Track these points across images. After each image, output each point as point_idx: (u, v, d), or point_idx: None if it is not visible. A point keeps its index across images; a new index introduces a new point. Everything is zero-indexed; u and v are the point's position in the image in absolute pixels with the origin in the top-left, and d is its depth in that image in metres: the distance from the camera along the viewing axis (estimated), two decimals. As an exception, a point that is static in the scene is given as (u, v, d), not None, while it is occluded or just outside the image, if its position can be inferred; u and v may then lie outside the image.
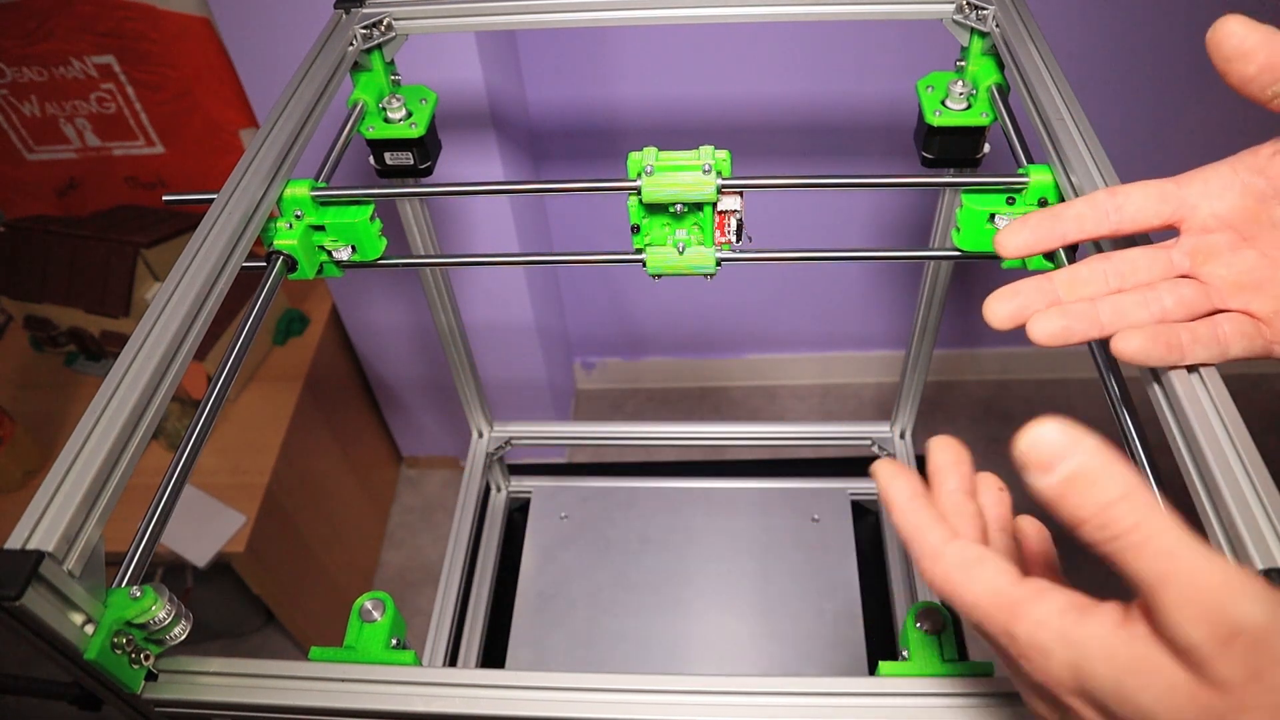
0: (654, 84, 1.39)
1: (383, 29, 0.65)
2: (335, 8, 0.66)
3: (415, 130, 0.66)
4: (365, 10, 0.66)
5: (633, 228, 0.58)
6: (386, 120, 0.66)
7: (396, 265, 0.61)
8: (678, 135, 1.45)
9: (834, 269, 1.73)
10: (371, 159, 0.69)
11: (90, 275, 1.36)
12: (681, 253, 0.58)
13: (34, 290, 1.40)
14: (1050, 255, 0.46)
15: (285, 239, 0.57)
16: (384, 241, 0.60)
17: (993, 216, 0.55)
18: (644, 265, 0.59)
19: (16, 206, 1.57)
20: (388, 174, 0.69)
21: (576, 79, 1.39)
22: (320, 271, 0.60)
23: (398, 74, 0.69)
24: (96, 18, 1.28)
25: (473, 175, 1.28)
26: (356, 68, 0.66)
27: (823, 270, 1.73)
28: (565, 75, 1.38)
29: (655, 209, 0.57)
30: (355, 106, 0.66)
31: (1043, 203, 0.54)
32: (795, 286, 1.78)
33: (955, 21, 0.63)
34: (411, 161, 0.68)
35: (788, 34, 1.32)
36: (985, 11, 0.62)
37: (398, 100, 0.66)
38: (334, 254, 0.59)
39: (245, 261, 0.53)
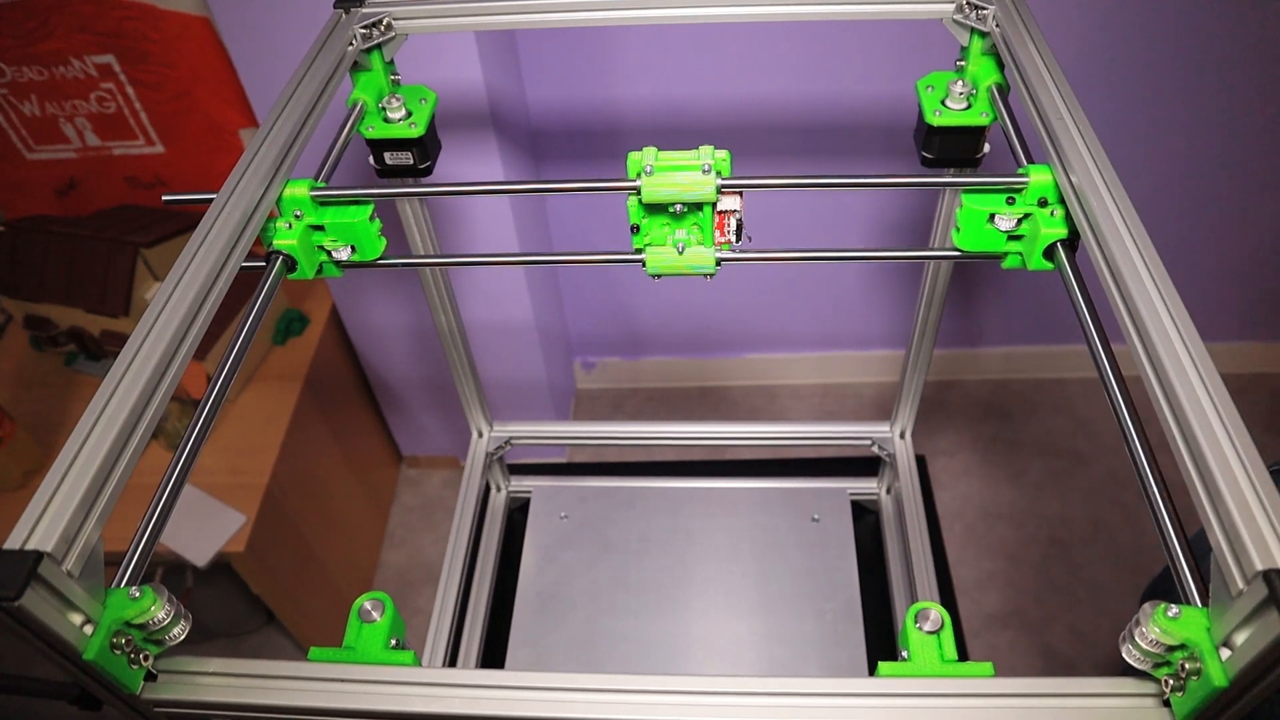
0: (654, 84, 1.39)
1: (382, 29, 0.65)
2: (335, 7, 0.66)
3: (415, 130, 0.66)
4: (365, 10, 0.66)
5: (632, 228, 0.58)
6: (386, 120, 0.66)
7: (396, 265, 0.61)
8: (678, 135, 1.45)
9: (834, 269, 1.73)
10: (371, 159, 0.69)
11: (90, 275, 1.36)
12: (681, 253, 0.58)
13: (34, 290, 1.40)
14: None
15: (285, 239, 0.57)
16: (383, 241, 0.60)
17: (993, 216, 0.55)
18: (644, 265, 0.59)
19: (16, 206, 1.57)
20: (387, 174, 0.69)
21: (576, 79, 1.39)
22: (320, 271, 0.60)
23: (397, 74, 0.69)
24: (96, 17, 1.28)
25: (473, 175, 1.28)
26: (356, 67, 0.66)
27: (823, 270, 1.73)
28: (565, 75, 1.38)
29: (655, 209, 0.57)
30: (355, 106, 0.66)
31: (1042, 202, 0.54)
32: (795, 286, 1.78)
33: (955, 21, 0.63)
34: (411, 161, 0.68)
35: (788, 34, 1.32)
36: (985, 11, 0.62)
37: (397, 100, 0.66)
38: (333, 254, 0.59)
39: (245, 261, 0.52)
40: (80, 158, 1.48)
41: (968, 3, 0.62)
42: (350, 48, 0.64)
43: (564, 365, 1.90)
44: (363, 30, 0.65)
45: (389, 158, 0.68)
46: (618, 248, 0.61)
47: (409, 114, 0.66)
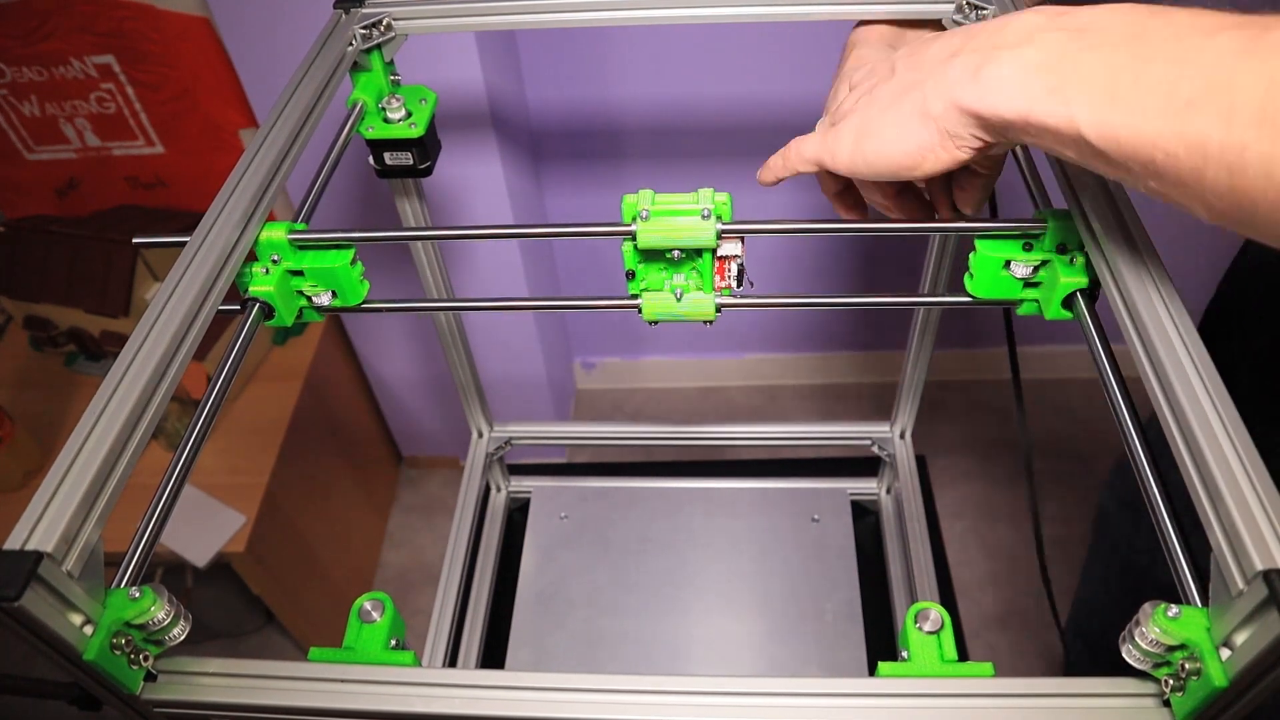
0: (654, 84, 1.39)
1: (382, 29, 0.65)
2: (335, 8, 0.66)
3: (415, 130, 0.66)
4: (365, 10, 0.65)
5: (627, 274, 0.55)
6: (386, 120, 0.66)
7: (380, 310, 0.58)
8: (678, 135, 1.45)
9: (834, 267, 1.73)
10: (371, 159, 0.69)
11: (90, 275, 1.36)
12: (679, 299, 0.55)
13: (34, 290, 1.40)
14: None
15: (261, 285, 0.53)
16: (366, 286, 0.56)
17: (1008, 263, 0.52)
18: (639, 312, 0.56)
19: (16, 206, 1.57)
20: (387, 174, 0.69)
21: (576, 79, 1.39)
22: (299, 317, 0.56)
23: (397, 74, 0.69)
24: (96, 18, 1.28)
25: (473, 175, 1.28)
26: (356, 68, 0.66)
27: (823, 268, 1.73)
28: (565, 75, 1.38)
29: (652, 254, 0.54)
30: (355, 107, 0.66)
31: (1061, 249, 0.50)
32: (795, 286, 1.78)
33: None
34: (411, 162, 0.68)
35: (788, 34, 1.32)
36: (985, 11, 0.62)
37: (397, 100, 0.66)
38: (313, 299, 0.55)
39: (221, 305, 0.49)
40: (80, 158, 1.49)
41: (967, 2, 0.62)
42: (350, 48, 0.64)
43: (564, 365, 1.90)
44: (363, 30, 0.64)
45: (389, 158, 0.68)
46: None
47: (409, 114, 0.66)
